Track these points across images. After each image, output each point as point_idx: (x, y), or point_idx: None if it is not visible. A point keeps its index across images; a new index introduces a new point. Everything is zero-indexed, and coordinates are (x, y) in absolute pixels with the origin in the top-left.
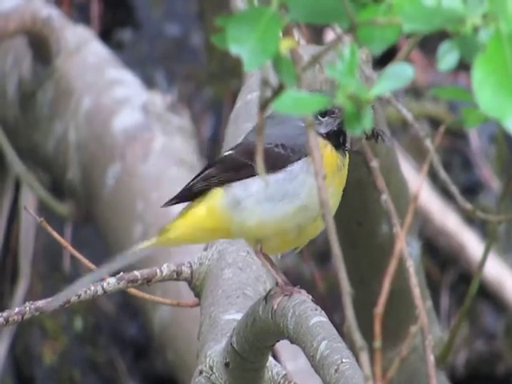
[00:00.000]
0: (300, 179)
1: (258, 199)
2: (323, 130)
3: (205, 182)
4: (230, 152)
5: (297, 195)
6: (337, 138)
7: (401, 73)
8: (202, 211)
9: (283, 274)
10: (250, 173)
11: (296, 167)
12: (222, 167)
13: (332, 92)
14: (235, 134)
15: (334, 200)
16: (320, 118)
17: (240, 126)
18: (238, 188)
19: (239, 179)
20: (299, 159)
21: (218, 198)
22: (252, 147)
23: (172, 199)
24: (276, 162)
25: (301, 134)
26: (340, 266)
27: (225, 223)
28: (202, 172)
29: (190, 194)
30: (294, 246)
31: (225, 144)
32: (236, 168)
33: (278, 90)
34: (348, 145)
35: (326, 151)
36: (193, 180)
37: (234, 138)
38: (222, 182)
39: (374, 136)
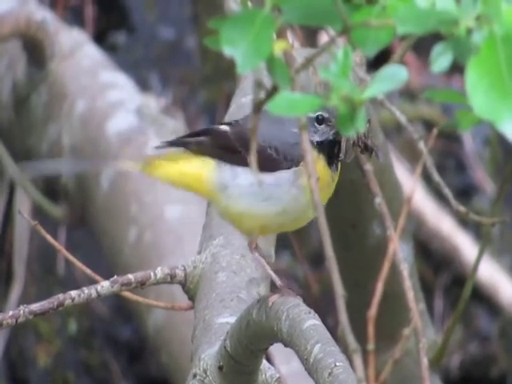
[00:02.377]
0: (285, 188)
1: (243, 192)
2: (318, 138)
3: (199, 147)
4: (227, 128)
5: (280, 200)
6: (331, 148)
7: (394, 75)
8: (192, 171)
9: (276, 274)
10: (240, 161)
11: (284, 176)
12: (217, 142)
13: (326, 93)
14: None
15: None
16: (316, 125)
17: None
18: (228, 173)
19: (229, 161)
20: (289, 168)
21: (209, 170)
22: (247, 135)
23: (163, 145)
24: (266, 163)
25: (296, 144)
26: (333, 268)
27: (213, 197)
28: (197, 134)
29: (183, 146)
30: (274, 233)
31: None
32: (228, 149)
33: (272, 92)
34: (342, 155)
35: (318, 166)
36: (188, 136)
37: None
38: (213, 155)
39: (367, 150)
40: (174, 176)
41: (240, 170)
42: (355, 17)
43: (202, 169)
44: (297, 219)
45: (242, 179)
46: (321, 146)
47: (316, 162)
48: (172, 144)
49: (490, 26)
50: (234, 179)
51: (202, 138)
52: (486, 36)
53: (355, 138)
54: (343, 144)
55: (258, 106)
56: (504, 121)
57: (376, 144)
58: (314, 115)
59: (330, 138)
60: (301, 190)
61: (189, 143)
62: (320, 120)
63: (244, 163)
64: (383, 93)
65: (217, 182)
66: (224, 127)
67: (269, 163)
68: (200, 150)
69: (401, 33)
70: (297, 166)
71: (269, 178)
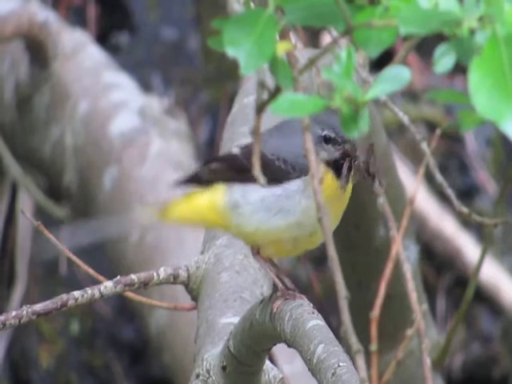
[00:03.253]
0: (295, 198)
1: (255, 208)
2: (326, 157)
3: (210, 175)
4: (237, 151)
5: (292, 212)
6: (338, 166)
7: (397, 76)
8: (204, 202)
9: (284, 275)
10: (250, 179)
11: (292, 186)
12: (227, 165)
13: (329, 94)
14: (232, 137)
15: (331, 223)
16: (324, 144)
17: (237, 130)
18: (239, 192)
19: (241, 181)
20: (297, 178)
21: (220, 194)
22: None
23: (179, 182)
24: (275, 175)
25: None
26: (336, 268)
27: (225, 221)
28: (208, 162)
29: (197, 181)
30: (291, 255)
31: (221, 148)
32: (239, 170)
33: (275, 93)
34: (353, 177)
35: (326, 179)
36: (200, 168)
37: (230, 141)
38: (225, 179)
39: (370, 176)
40: (190, 214)
41: (250, 187)
42: (358, 17)
43: (214, 196)
44: (312, 234)
45: (253, 196)
46: (328, 164)
47: (325, 175)
48: (185, 181)
49: (492, 26)
50: (244, 197)
51: (213, 166)
52: (489, 36)
53: (359, 164)
54: (351, 165)
55: (260, 107)
56: (506, 121)
57: (379, 171)
58: (321, 134)
59: (336, 157)
60: (312, 201)
61: (202, 174)
62: (327, 139)
63: (254, 181)
64: (386, 93)
65: (228, 201)
66: (234, 150)
67: (277, 174)
68: (213, 178)
69: (403, 33)
70: (306, 175)
71: (278, 189)
